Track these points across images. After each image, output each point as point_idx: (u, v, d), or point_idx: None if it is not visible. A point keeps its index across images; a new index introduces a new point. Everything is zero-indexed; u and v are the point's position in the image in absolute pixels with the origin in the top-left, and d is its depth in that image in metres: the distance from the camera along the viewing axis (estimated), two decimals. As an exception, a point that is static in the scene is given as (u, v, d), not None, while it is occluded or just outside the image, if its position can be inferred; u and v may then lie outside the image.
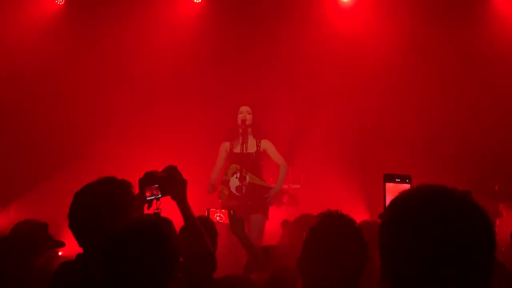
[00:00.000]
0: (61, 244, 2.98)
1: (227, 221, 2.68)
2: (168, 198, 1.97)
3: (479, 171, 5.45)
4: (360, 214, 5.51)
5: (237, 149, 5.20)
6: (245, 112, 5.25)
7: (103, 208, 1.88)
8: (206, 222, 2.46)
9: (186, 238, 1.98)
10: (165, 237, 1.57)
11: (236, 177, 5.07)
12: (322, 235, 1.81)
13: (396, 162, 5.70)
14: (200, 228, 2.00)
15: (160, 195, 1.91)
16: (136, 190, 1.99)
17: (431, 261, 1.01)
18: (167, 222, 1.64)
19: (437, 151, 5.98)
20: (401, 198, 1.11)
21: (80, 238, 1.92)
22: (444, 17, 6.19)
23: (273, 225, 5.26)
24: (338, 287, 1.76)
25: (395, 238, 1.07)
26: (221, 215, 2.78)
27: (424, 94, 6.12)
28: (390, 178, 1.47)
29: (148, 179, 1.93)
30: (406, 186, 1.43)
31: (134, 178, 2.11)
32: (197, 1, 6.79)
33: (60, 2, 6.76)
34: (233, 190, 5.10)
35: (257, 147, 5.26)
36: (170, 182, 1.93)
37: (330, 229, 1.81)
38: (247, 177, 5.08)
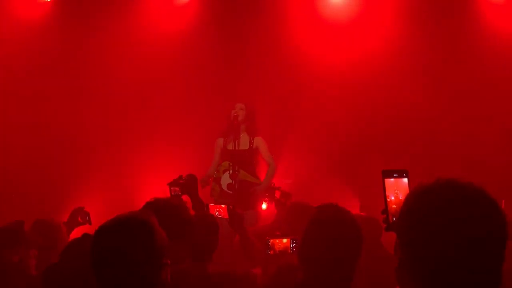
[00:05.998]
0: (34, 243, 2.98)
1: (227, 216, 2.74)
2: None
3: (474, 168, 5.54)
4: (352, 208, 5.58)
5: (230, 146, 5.22)
6: (238, 109, 5.28)
7: None
8: (207, 217, 2.53)
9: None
10: (150, 228, 1.65)
11: (228, 174, 5.10)
12: (322, 225, 1.96)
13: (389, 157, 5.79)
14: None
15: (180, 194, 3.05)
16: None
17: (452, 247, 1.09)
18: (150, 216, 1.71)
19: (434, 147, 6.08)
20: (420, 191, 1.18)
21: None
22: (439, 12, 6.26)
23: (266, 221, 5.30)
24: (336, 274, 1.89)
25: (417, 228, 1.14)
26: (221, 210, 2.84)
27: (419, 89, 6.15)
28: (388, 173, 1.52)
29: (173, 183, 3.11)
30: (404, 181, 1.50)
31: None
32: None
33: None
34: (225, 188, 5.14)
35: (250, 144, 5.29)
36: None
37: (329, 219, 1.97)
38: (239, 174, 5.11)
